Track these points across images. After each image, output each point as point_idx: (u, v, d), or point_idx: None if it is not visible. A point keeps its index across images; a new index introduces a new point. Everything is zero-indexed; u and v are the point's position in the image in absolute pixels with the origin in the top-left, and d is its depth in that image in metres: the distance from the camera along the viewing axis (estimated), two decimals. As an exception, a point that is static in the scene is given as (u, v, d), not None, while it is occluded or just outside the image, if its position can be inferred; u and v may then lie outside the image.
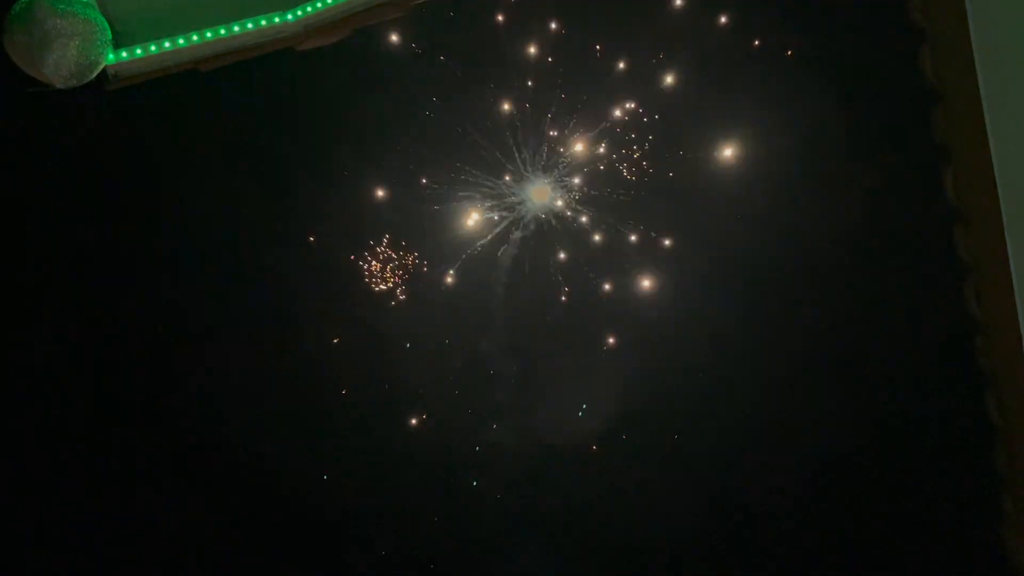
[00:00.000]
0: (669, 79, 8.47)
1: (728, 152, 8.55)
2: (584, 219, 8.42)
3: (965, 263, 8.39)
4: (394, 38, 8.14)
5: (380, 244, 8.20)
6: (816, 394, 8.41)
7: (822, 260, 8.52)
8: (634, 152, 8.43)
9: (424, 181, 8.31)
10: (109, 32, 7.17)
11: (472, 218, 8.28)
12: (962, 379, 8.45)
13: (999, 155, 8.12)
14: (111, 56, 7.26)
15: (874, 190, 8.49)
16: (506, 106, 8.29)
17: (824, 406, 8.42)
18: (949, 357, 8.52)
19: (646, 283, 8.50)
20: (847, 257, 8.52)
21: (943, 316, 8.49)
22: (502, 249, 8.27)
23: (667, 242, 8.50)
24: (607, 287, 8.45)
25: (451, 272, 8.27)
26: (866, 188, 8.49)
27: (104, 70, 7.26)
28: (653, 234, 8.48)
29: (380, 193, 8.26)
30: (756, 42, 8.43)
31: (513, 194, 8.30)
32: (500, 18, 8.22)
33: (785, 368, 8.42)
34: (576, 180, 8.42)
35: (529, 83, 8.28)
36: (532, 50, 8.29)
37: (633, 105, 8.44)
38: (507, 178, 8.34)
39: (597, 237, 8.44)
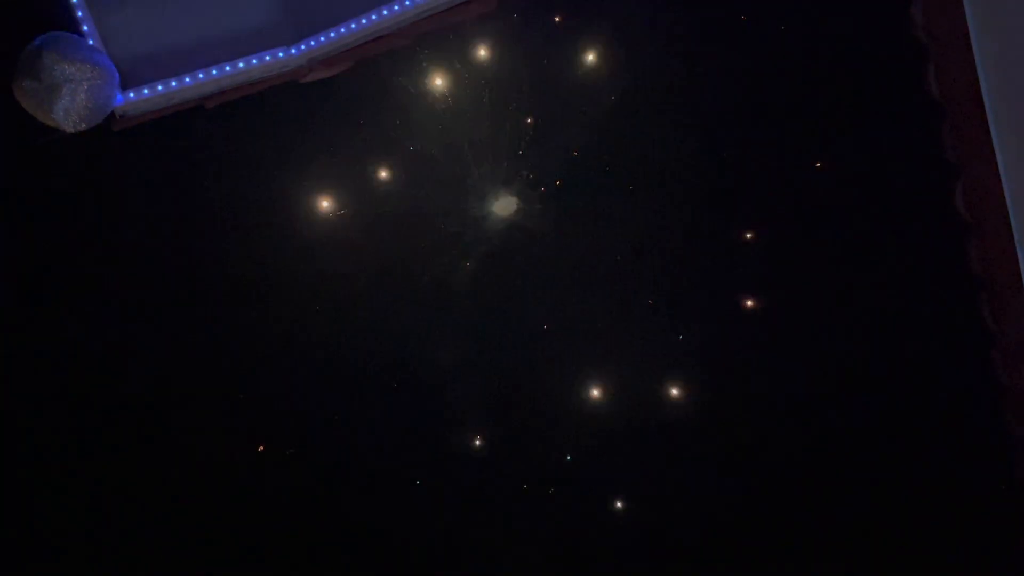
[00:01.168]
0: (654, 88, 8.75)
1: (727, 171, 8.77)
2: (552, 232, 8.67)
3: (978, 276, 8.76)
4: (392, 69, 8.48)
5: (370, 272, 8.55)
6: (825, 409, 8.72)
7: (833, 277, 8.80)
8: (615, 160, 8.70)
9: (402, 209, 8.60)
10: (117, 75, 7.63)
11: (435, 235, 8.57)
12: (980, 392, 8.79)
13: (1007, 168, 8.50)
14: (119, 98, 7.72)
15: (885, 206, 8.80)
16: (482, 123, 8.57)
17: (835, 423, 8.71)
18: (966, 371, 8.82)
19: (624, 298, 8.73)
20: (859, 274, 8.80)
21: (958, 329, 8.81)
22: (465, 265, 8.57)
23: (655, 258, 8.77)
24: (577, 300, 8.70)
25: (422, 287, 8.58)
26: (876, 204, 8.81)
27: (111, 111, 7.74)
28: (639, 249, 8.73)
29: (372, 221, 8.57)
30: (759, 64, 8.75)
31: (477, 209, 8.58)
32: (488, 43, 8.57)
33: (792, 384, 8.71)
34: (542, 191, 8.67)
35: (505, 97, 8.56)
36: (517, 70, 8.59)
37: (610, 111, 8.70)
38: (473, 193, 8.62)
39: (566, 250, 8.70)
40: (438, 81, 8.52)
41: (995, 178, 8.51)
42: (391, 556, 8.50)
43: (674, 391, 8.69)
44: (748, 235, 8.76)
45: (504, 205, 8.64)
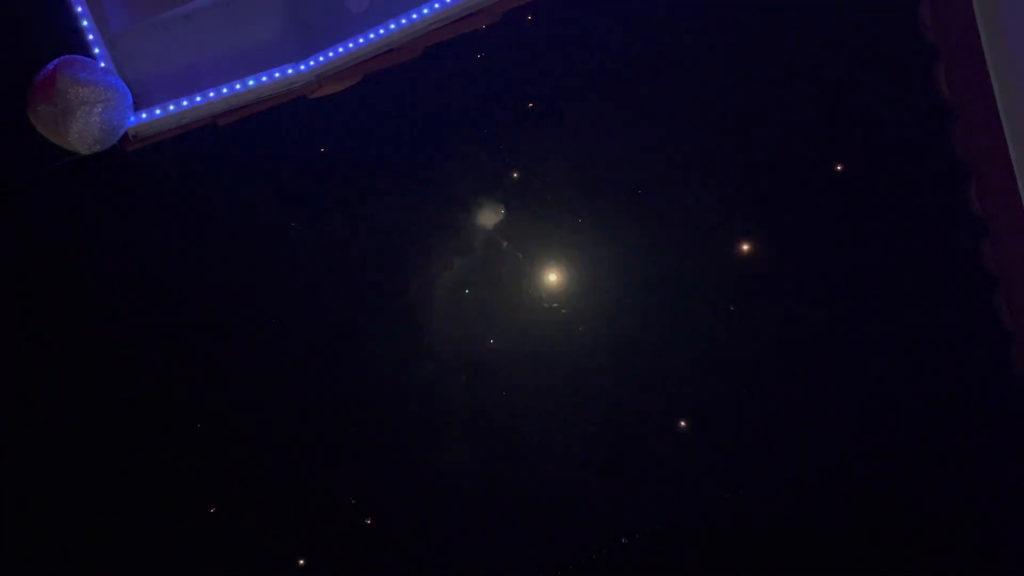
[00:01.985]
0: (660, 91, 8.89)
1: (736, 173, 8.89)
2: (538, 241, 8.82)
3: (993, 274, 8.86)
4: (400, 82, 8.67)
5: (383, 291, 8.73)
6: (840, 410, 8.81)
7: (846, 279, 8.91)
8: (620, 164, 8.81)
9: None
10: (129, 96, 7.87)
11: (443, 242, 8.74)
12: (997, 390, 8.87)
13: (1021, 164, 8.61)
14: (132, 118, 7.96)
15: (896, 207, 8.91)
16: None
17: (849, 424, 8.80)
18: (984, 369, 8.91)
19: (617, 305, 8.83)
20: (873, 275, 8.88)
21: (975, 328, 8.91)
22: (446, 274, 8.70)
23: (662, 259, 8.90)
24: (563, 310, 8.82)
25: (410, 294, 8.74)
26: (888, 205, 8.92)
27: (125, 132, 7.98)
28: (636, 253, 8.85)
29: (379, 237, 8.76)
30: (767, 65, 8.90)
31: (481, 217, 8.72)
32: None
33: (805, 387, 8.82)
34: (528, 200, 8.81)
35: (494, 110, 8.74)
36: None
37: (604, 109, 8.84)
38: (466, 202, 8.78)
39: (553, 261, 8.83)
40: (447, 93, 8.72)
41: (1008, 175, 8.61)
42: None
43: (681, 395, 8.82)
44: (757, 237, 8.88)
45: (509, 211, 8.80)
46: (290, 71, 8.28)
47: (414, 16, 8.35)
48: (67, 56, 7.77)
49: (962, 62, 8.54)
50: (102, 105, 7.65)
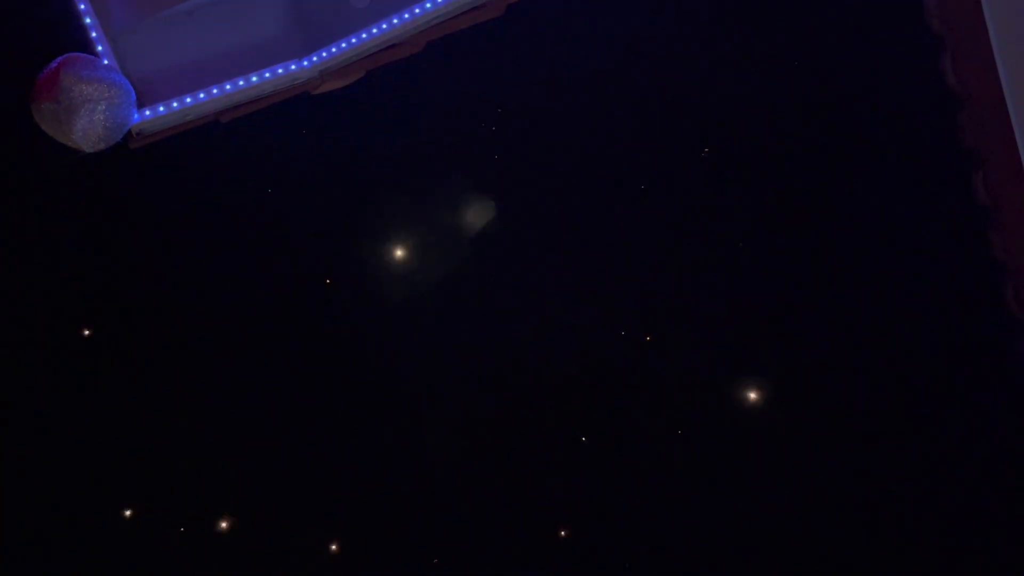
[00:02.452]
0: (665, 88, 8.92)
1: (740, 168, 8.91)
2: (540, 238, 8.85)
3: (1001, 263, 8.87)
4: (403, 77, 8.74)
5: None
6: (849, 403, 8.83)
7: (855, 269, 8.94)
8: (627, 161, 8.84)
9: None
10: (133, 93, 7.92)
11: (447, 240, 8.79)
12: (1006, 380, 8.88)
13: (1028, 153, 8.63)
14: (136, 116, 8.01)
15: (904, 197, 8.94)
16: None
17: (858, 417, 8.83)
18: (991, 358, 8.92)
19: (620, 306, 8.85)
20: (882, 265, 8.92)
21: (984, 317, 8.93)
22: (481, 269, 8.77)
23: (668, 259, 8.92)
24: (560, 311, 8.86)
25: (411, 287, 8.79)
26: (896, 195, 8.95)
27: (129, 129, 8.04)
28: (638, 250, 8.88)
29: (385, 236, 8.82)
30: (772, 57, 8.92)
31: (486, 214, 8.75)
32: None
33: (813, 379, 8.83)
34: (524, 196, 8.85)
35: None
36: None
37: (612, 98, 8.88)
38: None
39: (554, 260, 8.87)
40: (449, 88, 8.76)
41: (1016, 165, 8.61)
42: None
43: (680, 394, 8.86)
44: (760, 229, 8.91)
45: (512, 206, 8.84)
46: (293, 67, 8.33)
47: (416, 11, 8.39)
48: (70, 53, 7.82)
49: (969, 51, 8.56)
50: (106, 103, 7.69)
